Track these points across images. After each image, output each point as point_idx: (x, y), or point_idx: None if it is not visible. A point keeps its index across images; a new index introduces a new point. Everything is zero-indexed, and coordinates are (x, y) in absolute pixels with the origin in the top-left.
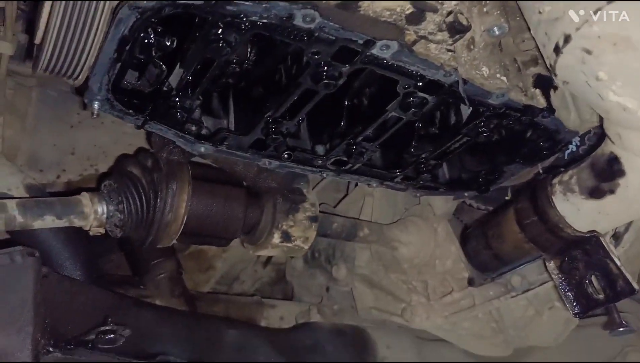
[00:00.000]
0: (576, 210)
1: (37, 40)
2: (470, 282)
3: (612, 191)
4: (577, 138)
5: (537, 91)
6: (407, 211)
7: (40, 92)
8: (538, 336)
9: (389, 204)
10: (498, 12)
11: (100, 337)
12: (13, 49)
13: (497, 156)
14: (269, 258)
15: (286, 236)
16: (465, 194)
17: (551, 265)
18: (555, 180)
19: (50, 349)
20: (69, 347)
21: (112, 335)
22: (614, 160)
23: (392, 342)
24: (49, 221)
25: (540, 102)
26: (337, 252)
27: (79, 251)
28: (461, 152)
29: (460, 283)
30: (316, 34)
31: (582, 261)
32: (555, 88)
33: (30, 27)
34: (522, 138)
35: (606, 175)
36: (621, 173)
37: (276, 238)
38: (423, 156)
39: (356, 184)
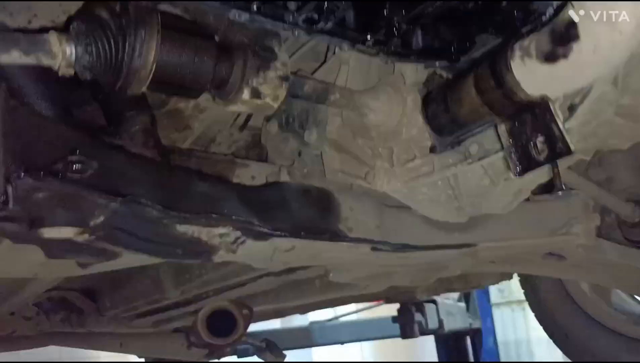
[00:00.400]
0: (531, 74)
1: None
2: (432, 149)
3: (565, 56)
4: (551, 9)
5: None
6: (380, 81)
7: None
8: (490, 204)
9: (363, 74)
10: None
11: (69, 166)
12: None
13: (470, 25)
14: (246, 121)
15: (256, 93)
16: (437, 63)
17: (502, 127)
18: (516, 45)
19: (22, 174)
20: (39, 173)
21: (80, 165)
22: (571, 25)
23: (355, 205)
24: (16, 56)
25: None
26: (310, 118)
27: (51, 92)
28: (434, 19)
29: (423, 150)
30: None
31: (530, 124)
32: None
33: None
34: (497, 6)
35: (562, 39)
36: (576, 37)
37: (246, 94)
38: (395, 19)
39: (334, 53)
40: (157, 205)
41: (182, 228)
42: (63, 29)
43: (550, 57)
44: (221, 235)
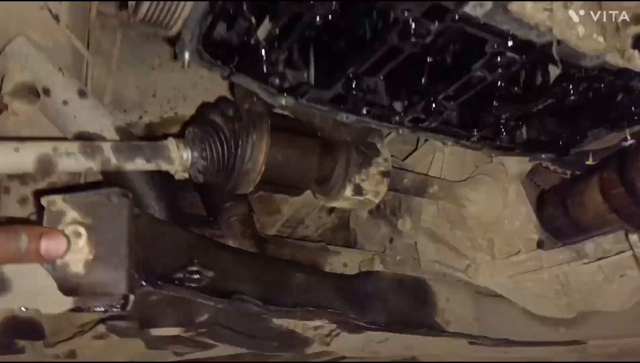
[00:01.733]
0: None
1: None
2: (540, 245)
3: None
4: None
5: (636, 53)
6: (478, 169)
7: (124, 34)
8: (604, 302)
9: (459, 161)
10: None
11: (187, 276)
12: None
13: (582, 119)
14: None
15: (358, 190)
16: (543, 156)
17: (634, 237)
18: None
19: (143, 283)
20: (158, 282)
21: (198, 276)
22: None
23: (452, 295)
24: (140, 164)
25: (638, 65)
26: (402, 205)
27: (164, 194)
28: (543, 113)
29: (529, 244)
30: None
31: None
32: None
33: None
34: (612, 101)
35: None
36: None
37: (348, 191)
38: (503, 116)
39: (426, 139)
40: (258, 301)
41: (279, 322)
42: (179, 135)
43: None
44: (316, 328)
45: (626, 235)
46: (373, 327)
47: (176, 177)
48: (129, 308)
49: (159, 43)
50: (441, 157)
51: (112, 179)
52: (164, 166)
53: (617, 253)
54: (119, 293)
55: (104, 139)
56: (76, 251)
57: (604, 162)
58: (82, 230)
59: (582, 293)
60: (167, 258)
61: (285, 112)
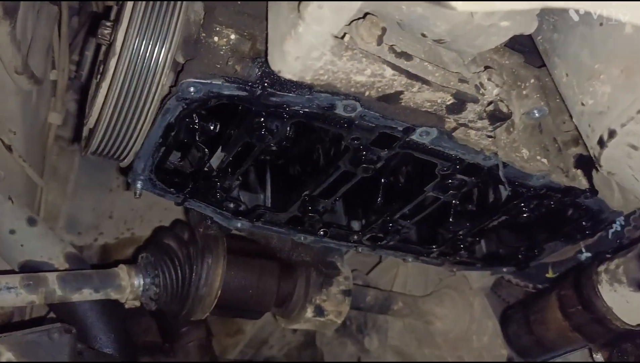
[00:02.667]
0: (625, 302)
1: (90, 125)
2: (509, 361)
3: None
4: (622, 218)
5: (579, 171)
6: (441, 282)
7: (82, 157)
8: None
9: (422, 274)
10: (537, 95)
11: None
12: (62, 119)
13: (537, 233)
14: None
15: (319, 311)
16: (504, 269)
17: (599, 356)
18: (601, 268)
19: None
20: None
21: None
22: None
23: None
24: (87, 295)
25: (582, 183)
26: (369, 322)
27: (113, 323)
28: (499, 228)
29: (498, 360)
30: (356, 122)
31: (634, 355)
32: (597, 168)
33: (81, 107)
34: (564, 216)
35: None
36: None
37: (309, 312)
38: (460, 232)
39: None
40: None
41: None
42: (130, 261)
43: None
44: None
45: (590, 354)
46: None
47: (126, 306)
48: None
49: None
50: (405, 271)
51: (59, 308)
52: (114, 295)
53: None
54: None
55: (51, 267)
56: None
57: (561, 278)
58: None
59: None
60: None
61: (242, 234)
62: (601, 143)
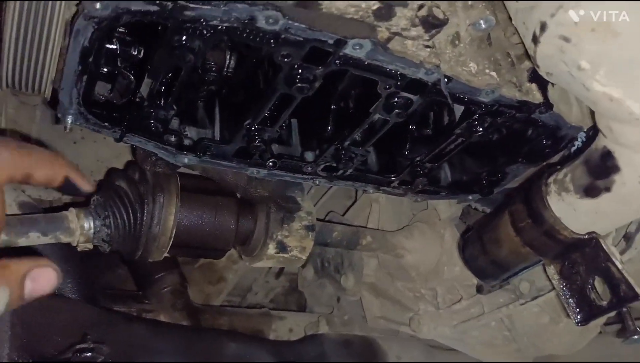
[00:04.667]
0: (572, 210)
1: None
2: (479, 289)
3: (607, 189)
4: (583, 134)
5: (533, 85)
6: (414, 217)
7: (44, 110)
8: (554, 345)
9: (395, 211)
10: (483, 4)
11: (77, 355)
12: None
13: (498, 157)
14: (281, 269)
15: (282, 247)
16: (469, 197)
17: (551, 269)
18: (550, 179)
19: None
20: None
21: (90, 354)
22: (607, 155)
23: (403, 353)
24: (34, 238)
25: (537, 97)
26: (345, 261)
27: (71, 266)
28: (460, 153)
29: (469, 290)
30: (283, 36)
31: (583, 265)
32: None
33: None
34: (522, 136)
35: (600, 172)
36: (616, 168)
37: (271, 249)
38: (418, 159)
39: (363, 191)
40: None
41: None
42: (82, 204)
43: (590, 192)
44: None
45: (544, 268)
46: None
47: (78, 249)
48: None
49: None
50: (377, 208)
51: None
52: (63, 238)
53: (550, 290)
54: None
55: None
56: None
57: (512, 194)
58: None
59: (530, 337)
60: (58, 338)
61: (196, 172)
62: (535, 40)
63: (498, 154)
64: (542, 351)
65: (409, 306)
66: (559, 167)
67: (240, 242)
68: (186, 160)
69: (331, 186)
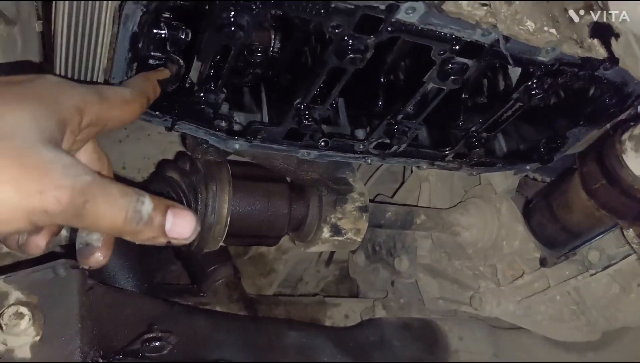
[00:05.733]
0: None
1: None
2: (543, 262)
3: None
4: None
5: (595, 41)
6: (466, 194)
7: None
8: (625, 316)
9: (447, 188)
10: None
11: (146, 345)
12: None
13: (558, 121)
14: (331, 256)
15: (336, 230)
16: (527, 167)
17: (630, 232)
18: (625, 136)
19: (100, 360)
20: (117, 357)
21: (158, 343)
22: None
23: (465, 333)
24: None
25: (600, 53)
26: (397, 244)
27: (130, 262)
28: (516, 120)
29: (532, 264)
30: (333, 5)
31: None
32: (617, 36)
33: None
34: (584, 96)
35: None
36: None
37: (326, 232)
38: (473, 129)
39: (411, 171)
40: None
41: None
42: None
43: None
44: None
45: (622, 232)
46: None
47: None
48: None
49: None
50: (428, 187)
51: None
52: None
53: (623, 258)
54: None
55: None
56: (20, 334)
57: (583, 156)
58: (25, 310)
59: (600, 309)
60: (126, 330)
61: (245, 159)
62: None
63: (558, 118)
64: (613, 323)
65: (469, 285)
66: (632, 123)
67: (293, 228)
68: (237, 146)
69: (379, 168)
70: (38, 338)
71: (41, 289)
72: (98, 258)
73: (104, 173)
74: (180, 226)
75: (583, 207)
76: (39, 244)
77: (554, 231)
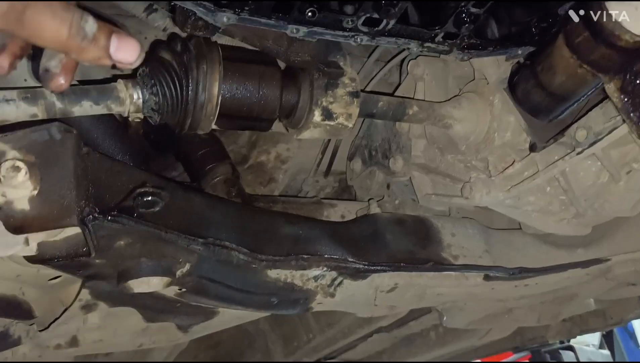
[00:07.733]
0: (634, 9)
1: None
2: (532, 148)
3: None
4: None
5: None
6: (460, 91)
7: None
8: (614, 205)
9: (441, 88)
10: None
11: (139, 199)
12: None
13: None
14: (329, 166)
15: (327, 114)
16: (519, 51)
17: (611, 86)
18: None
19: (96, 215)
20: (112, 213)
21: (151, 197)
22: None
23: (457, 230)
24: (87, 108)
25: None
26: (392, 145)
27: (124, 143)
28: (505, 3)
29: (522, 153)
30: None
31: None
32: None
33: None
34: None
35: None
36: None
37: (317, 116)
38: (462, 3)
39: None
40: (243, 249)
41: (273, 274)
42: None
43: None
44: (316, 278)
45: (603, 90)
46: (374, 267)
47: (130, 119)
48: (93, 253)
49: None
50: (422, 85)
51: None
52: (115, 108)
53: (610, 132)
54: (70, 225)
55: None
56: (18, 186)
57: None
58: (21, 165)
59: (589, 199)
60: (121, 194)
61: (238, 45)
62: None
63: None
64: (603, 214)
65: (460, 178)
66: None
67: (285, 114)
68: (225, 19)
69: (375, 76)
70: (35, 192)
71: (37, 149)
72: (59, 81)
73: None
74: (124, 50)
75: (566, 65)
76: (1, 64)
77: (539, 97)
